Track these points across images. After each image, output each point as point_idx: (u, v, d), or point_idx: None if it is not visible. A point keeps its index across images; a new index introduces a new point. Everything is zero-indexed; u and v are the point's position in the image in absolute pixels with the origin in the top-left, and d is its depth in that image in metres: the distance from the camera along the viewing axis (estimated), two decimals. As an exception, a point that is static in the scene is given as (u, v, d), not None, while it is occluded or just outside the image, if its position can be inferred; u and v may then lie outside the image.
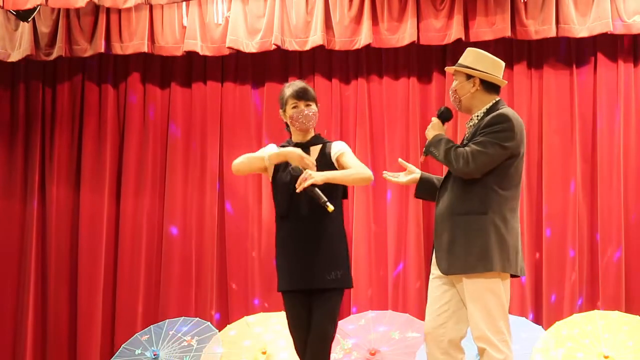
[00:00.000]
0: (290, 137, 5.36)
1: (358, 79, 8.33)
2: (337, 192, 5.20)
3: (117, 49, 8.29)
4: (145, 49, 8.20)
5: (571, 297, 7.78)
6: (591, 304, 7.76)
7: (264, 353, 7.41)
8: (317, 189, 5.03)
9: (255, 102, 8.49)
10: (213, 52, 8.21)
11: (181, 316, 7.99)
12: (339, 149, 5.28)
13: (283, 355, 7.39)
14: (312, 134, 5.33)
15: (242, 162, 5.27)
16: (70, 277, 8.56)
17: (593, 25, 7.64)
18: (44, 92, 8.72)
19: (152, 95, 8.61)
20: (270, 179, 5.33)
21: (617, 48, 7.91)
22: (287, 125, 5.35)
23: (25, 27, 8.29)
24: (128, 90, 8.63)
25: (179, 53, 8.24)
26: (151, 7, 8.17)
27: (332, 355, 7.26)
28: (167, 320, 7.94)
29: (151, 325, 7.92)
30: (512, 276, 4.92)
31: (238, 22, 8.09)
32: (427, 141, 4.96)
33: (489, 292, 4.82)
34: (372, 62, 8.31)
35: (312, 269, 5.17)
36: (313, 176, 5.01)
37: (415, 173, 5.16)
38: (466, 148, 4.80)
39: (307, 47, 8.00)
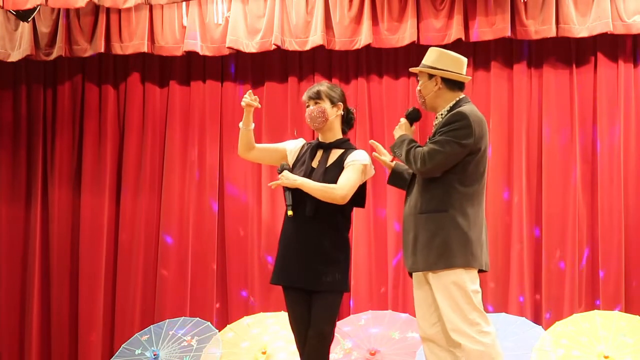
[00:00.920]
0: (318, 136, 5.48)
1: (358, 79, 8.33)
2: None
3: (117, 49, 8.29)
4: (145, 49, 8.20)
5: (571, 297, 7.77)
6: (591, 304, 7.76)
7: (263, 353, 7.41)
8: (288, 192, 5.19)
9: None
10: (213, 52, 8.21)
11: (180, 316, 7.99)
12: (354, 158, 5.33)
13: (283, 356, 7.38)
14: (338, 135, 5.42)
15: (240, 143, 5.46)
16: (71, 279, 8.56)
17: (593, 25, 7.64)
18: (45, 94, 8.72)
19: (152, 95, 8.60)
20: None
21: (617, 48, 7.91)
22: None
23: (25, 27, 8.28)
24: (128, 90, 8.62)
25: (178, 53, 8.24)
26: (151, 7, 8.17)
27: (332, 356, 7.26)
28: (167, 320, 7.94)
29: (151, 326, 7.92)
30: (479, 271, 4.97)
31: (238, 22, 8.09)
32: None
33: (453, 285, 4.88)
34: (372, 62, 8.30)
35: (310, 270, 5.20)
36: (288, 180, 5.18)
37: (386, 156, 5.28)
38: (424, 147, 4.89)
39: (307, 47, 8.00)
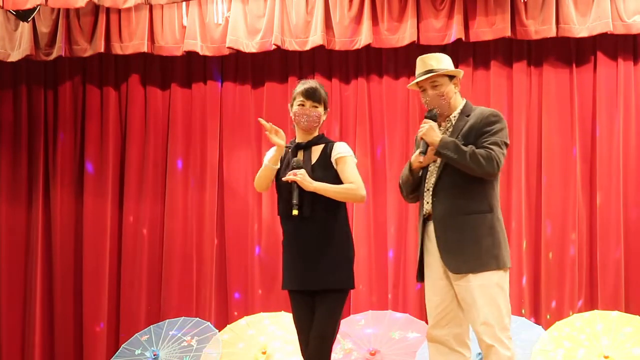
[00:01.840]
0: (294, 137, 5.38)
1: (358, 79, 8.33)
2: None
3: (117, 49, 8.29)
4: (145, 49, 8.19)
5: (571, 297, 7.78)
6: (591, 304, 7.76)
7: (263, 353, 7.42)
8: (296, 190, 5.10)
9: (255, 102, 8.48)
10: (213, 52, 8.21)
11: (184, 316, 8.00)
12: (339, 151, 5.28)
13: (283, 356, 7.39)
14: (315, 133, 5.34)
15: (257, 180, 5.32)
16: (75, 280, 8.56)
17: (593, 25, 7.64)
18: (46, 94, 8.71)
19: (154, 96, 8.60)
20: (274, 179, 5.36)
21: (617, 47, 7.91)
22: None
23: (25, 27, 8.28)
24: (129, 91, 8.62)
25: (178, 53, 8.24)
26: (151, 7, 8.17)
27: (333, 356, 7.26)
28: (167, 320, 7.94)
29: (151, 326, 7.93)
30: None
31: (238, 22, 8.08)
32: (423, 142, 4.92)
33: (497, 287, 4.87)
34: (372, 62, 8.30)
35: (315, 270, 5.18)
36: (305, 181, 5.09)
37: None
38: (489, 151, 4.84)
39: (307, 47, 8.00)
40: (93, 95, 8.66)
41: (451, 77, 5.03)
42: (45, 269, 8.57)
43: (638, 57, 7.92)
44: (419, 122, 8.17)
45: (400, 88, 8.23)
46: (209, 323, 7.78)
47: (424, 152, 4.96)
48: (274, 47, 8.02)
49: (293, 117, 5.30)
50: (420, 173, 5.08)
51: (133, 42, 8.24)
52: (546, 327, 7.47)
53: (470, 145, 4.87)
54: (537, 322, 7.70)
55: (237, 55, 8.36)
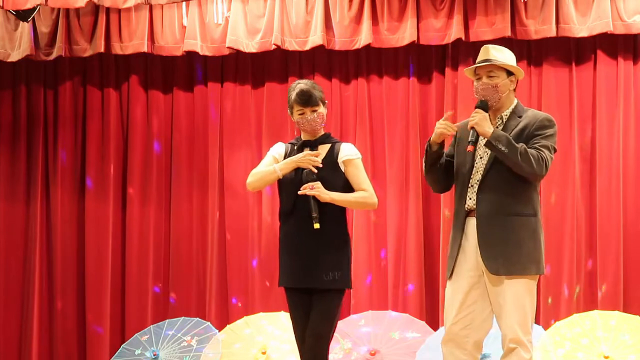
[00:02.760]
0: (300, 135, 5.39)
1: (358, 79, 8.32)
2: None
3: (117, 48, 8.28)
4: (145, 49, 8.19)
5: (570, 296, 7.77)
6: (590, 304, 7.76)
7: (263, 353, 7.42)
8: (315, 202, 5.10)
9: (255, 102, 8.48)
10: (213, 52, 8.20)
11: (183, 317, 8.00)
12: (347, 153, 5.29)
13: (279, 355, 7.39)
14: (321, 132, 5.34)
15: (256, 179, 5.27)
16: (78, 280, 8.56)
17: (593, 25, 7.64)
18: (46, 94, 8.71)
19: (155, 97, 8.60)
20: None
21: (616, 47, 7.91)
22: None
23: (24, 27, 8.28)
24: (130, 91, 8.61)
25: (178, 53, 8.24)
26: (151, 7, 8.16)
27: (332, 356, 7.26)
28: (166, 320, 7.94)
29: (151, 326, 7.93)
30: None
31: (238, 22, 8.08)
32: (473, 131, 4.87)
33: (528, 294, 4.88)
34: (372, 62, 8.30)
35: (313, 268, 5.18)
36: (321, 192, 5.10)
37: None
38: (540, 152, 4.84)
39: (307, 47, 7.99)
40: (93, 95, 8.66)
41: (510, 73, 4.99)
42: (44, 271, 8.54)
43: (638, 57, 7.91)
44: (419, 122, 8.18)
45: (400, 88, 8.23)
46: (208, 323, 7.78)
47: (474, 142, 4.91)
48: (274, 47, 8.02)
49: (297, 125, 5.33)
50: (438, 149, 5.00)
51: (133, 42, 8.24)
52: (546, 327, 7.47)
53: (521, 144, 4.85)
54: (537, 321, 7.70)
55: (237, 55, 8.36)
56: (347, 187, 5.25)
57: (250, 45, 8.07)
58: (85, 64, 8.65)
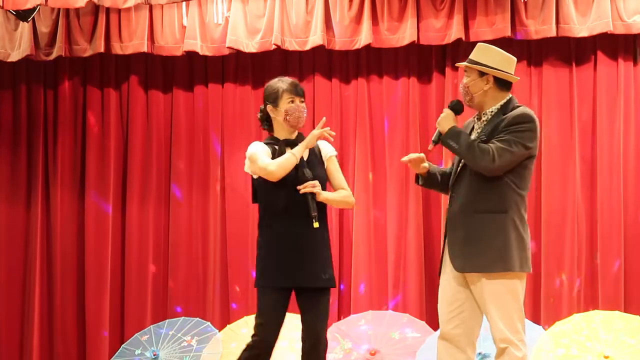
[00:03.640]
0: (272, 135, 5.32)
1: (358, 79, 8.32)
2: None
3: (117, 48, 8.29)
4: (145, 49, 8.19)
5: (570, 297, 7.77)
6: (591, 304, 7.76)
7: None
8: (313, 201, 5.09)
9: (255, 102, 8.48)
10: (213, 52, 8.21)
11: (183, 317, 8.00)
12: (328, 150, 5.32)
13: (277, 353, 7.39)
14: (296, 132, 5.32)
15: (282, 168, 5.12)
16: (78, 281, 8.56)
17: (593, 25, 7.64)
18: (46, 94, 8.71)
19: (155, 97, 8.60)
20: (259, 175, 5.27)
21: (617, 47, 7.91)
22: (264, 122, 5.34)
23: (25, 27, 8.28)
24: (130, 92, 8.61)
25: (178, 53, 8.24)
26: (151, 7, 8.16)
27: (332, 356, 7.27)
28: (166, 320, 7.94)
29: (151, 326, 7.93)
30: None
31: (238, 22, 8.08)
32: (437, 131, 4.91)
33: (509, 294, 4.83)
34: (372, 62, 8.30)
35: (312, 267, 5.16)
36: (319, 190, 5.10)
37: (425, 163, 5.06)
38: (491, 145, 4.77)
39: (307, 47, 7.99)
40: (93, 95, 8.66)
41: (484, 73, 4.94)
42: (44, 271, 8.55)
43: (638, 57, 7.91)
44: (419, 122, 8.18)
45: (401, 88, 8.23)
46: (209, 323, 7.78)
47: (435, 141, 4.93)
48: (274, 47, 8.02)
49: (284, 116, 5.23)
50: (427, 177, 5.07)
51: (133, 42, 8.24)
52: (546, 327, 7.46)
53: (474, 139, 4.83)
54: (537, 321, 7.70)
55: (237, 55, 8.36)
56: (327, 185, 5.30)
57: (250, 45, 8.08)
58: (85, 64, 8.65)
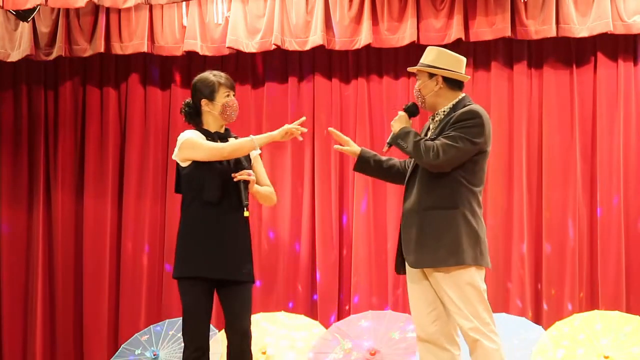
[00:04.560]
0: (201, 126, 5.30)
1: (358, 78, 8.33)
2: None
3: (117, 48, 8.29)
4: (145, 49, 8.19)
5: (571, 297, 7.77)
6: (591, 304, 7.76)
7: (263, 353, 7.42)
8: (246, 190, 5.16)
9: (255, 102, 8.48)
10: (213, 52, 8.21)
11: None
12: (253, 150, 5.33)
13: (277, 351, 7.39)
14: (224, 126, 5.38)
15: (232, 149, 5.18)
16: (76, 281, 8.56)
17: (593, 25, 7.64)
18: (46, 94, 8.71)
19: (154, 96, 8.60)
20: (189, 162, 5.25)
21: (617, 48, 7.91)
22: (188, 116, 5.34)
23: (24, 27, 8.28)
24: (129, 91, 8.62)
25: (178, 53, 8.24)
26: (151, 7, 8.17)
27: (332, 356, 7.27)
28: (166, 320, 7.94)
29: (151, 325, 7.92)
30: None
31: (238, 22, 8.08)
32: (392, 133, 5.01)
33: (467, 285, 4.86)
34: (372, 62, 8.30)
35: (240, 260, 5.16)
36: (254, 179, 5.16)
37: (351, 146, 5.20)
38: (436, 141, 4.85)
39: (307, 47, 8.00)
40: (93, 95, 8.66)
41: (434, 74, 5.02)
42: (46, 269, 8.57)
43: (638, 57, 7.92)
44: (419, 121, 8.18)
45: (400, 88, 8.23)
46: (209, 323, 7.78)
47: (390, 143, 5.02)
48: (274, 47, 8.02)
49: (221, 110, 5.27)
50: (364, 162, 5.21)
51: (133, 42, 8.24)
52: (546, 327, 7.46)
53: (420, 137, 4.92)
54: (537, 321, 7.70)
55: (237, 55, 8.36)
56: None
57: (250, 45, 8.08)
58: (85, 64, 8.65)
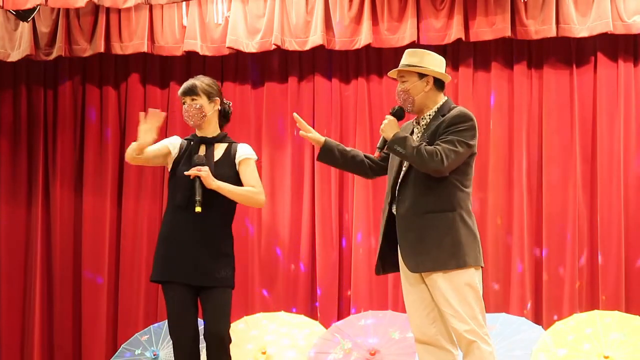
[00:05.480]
0: (195, 132, 5.44)
1: (358, 79, 8.33)
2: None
3: (117, 48, 8.29)
4: (145, 49, 8.20)
5: (571, 297, 7.77)
6: (591, 304, 7.76)
7: (263, 353, 7.42)
8: (200, 187, 5.16)
9: (255, 102, 8.48)
10: (213, 52, 8.21)
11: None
12: (243, 152, 5.39)
13: (277, 350, 7.39)
14: (218, 131, 5.41)
15: (130, 149, 5.41)
16: (74, 278, 8.56)
17: (593, 25, 7.64)
18: (46, 94, 8.72)
19: (153, 96, 8.60)
20: (169, 169, 5.40)
21: (617, 48, 7.91)
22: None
23: (24, 27, 8.28)
24: (129, 91, 8.62)
25: (178, 53, 8.24)
26: (151, 7, 8.17)
27: (332, 356, 7.27)
28: (166, 320, 7.92)
29: (151, 325, 7.93)
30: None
31: (238, 22, 8.09)
32: (382, 138, 5.01)
33: (467, 286, 4.87)
34: (372, 62, 8.30)
35: (201, 265, 5.18)
36: (208, 178, 5.16)
37: (312, 133, 5.20)
38: (437, 147, 4.84)
39: (307, 47, 8.00)
40: (93, 95, 8.66)
41: (423, 75, 5.02)
42: (44, 267, 8.57)
43: (638, 58, 7.92)
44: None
45: (400, 88, 8.23)
46: (208, 323, 7.77)
47: (380, 148, 5.03)
48: (274, 47, 8.02)
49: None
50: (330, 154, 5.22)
51: (133, 42, 8.24)
52: (546, 327, 7.46)
53: (420, 143, 4.91)
54: (537, 321, 7.70)
55: (237, 55, 8.37)
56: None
57: (250, 45, 8.08)
58: (85, 63, 8.65)
